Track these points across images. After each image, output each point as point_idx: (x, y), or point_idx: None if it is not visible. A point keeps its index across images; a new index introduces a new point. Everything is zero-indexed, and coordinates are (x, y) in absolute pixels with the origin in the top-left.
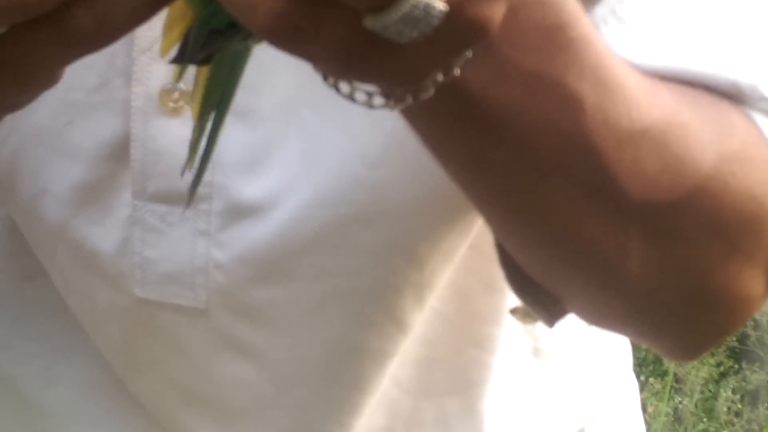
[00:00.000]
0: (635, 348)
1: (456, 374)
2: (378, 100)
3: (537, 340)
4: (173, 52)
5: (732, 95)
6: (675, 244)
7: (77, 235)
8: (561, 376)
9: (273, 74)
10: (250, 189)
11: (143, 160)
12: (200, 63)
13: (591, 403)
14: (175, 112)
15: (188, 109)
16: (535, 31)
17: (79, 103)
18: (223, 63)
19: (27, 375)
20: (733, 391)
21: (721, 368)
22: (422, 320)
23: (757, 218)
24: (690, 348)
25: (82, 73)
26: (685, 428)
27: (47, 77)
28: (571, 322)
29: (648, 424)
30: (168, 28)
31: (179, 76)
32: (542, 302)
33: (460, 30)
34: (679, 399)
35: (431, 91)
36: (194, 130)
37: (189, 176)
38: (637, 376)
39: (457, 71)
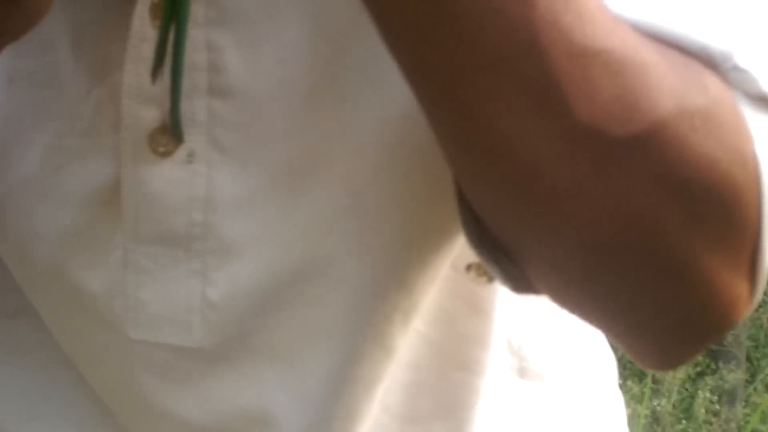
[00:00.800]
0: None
1: (443, 398)
2: None
3: (523, 359)
4: None
5: (703, 61)
6: (629, 190)
7: (70, 277)
8: (548, 395)
9: (261, 109)
10: (242, 226)
11: (134, 204)
12: None
13: (578, 422)
14: (165, 155)
15: (177, 150)
16: None
17: (68, 148)
18: None
19: (10, 412)
20: (711, 391)
21: (698, 368)
22: (409, 345)
23: (724, 191)
24: (669, 352)
25: (70, 119)
26: (663, 429)
27: None
28: (556, 339)
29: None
30: None
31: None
32: (500, 261)
33: None
34: (657, 401)
35: None
36: (158, 35)
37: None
38: None
39: None
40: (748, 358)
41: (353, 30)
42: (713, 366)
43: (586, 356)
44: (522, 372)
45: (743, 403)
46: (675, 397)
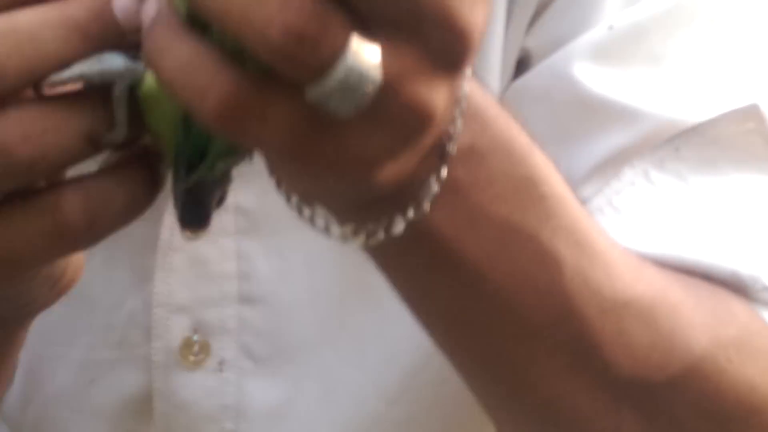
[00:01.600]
0: None
1: None
2: (347, 230)
3: None
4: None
5: (733, 285)
6: (673, 428)
7: None
8: None
9: (291, 316)
10: None
11: (166, 414)
12: (203, 224)
13: None
14: (196, 364)
15: (209, 360)
16: (505, 180)
17: (100, 361)
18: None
19: None
20: None
21: None
22: None
23: (762, 412)
24: None
25: (102, 332)
26: None
27: (32, 273)
28: None
29: None
30: None
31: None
32: None
33: (399, 111)
34: None
35: (401, 226)
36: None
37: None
38: None
39: (426, 206)
40: None
41: None
42: None
43: None
44: None
45: None
46: None
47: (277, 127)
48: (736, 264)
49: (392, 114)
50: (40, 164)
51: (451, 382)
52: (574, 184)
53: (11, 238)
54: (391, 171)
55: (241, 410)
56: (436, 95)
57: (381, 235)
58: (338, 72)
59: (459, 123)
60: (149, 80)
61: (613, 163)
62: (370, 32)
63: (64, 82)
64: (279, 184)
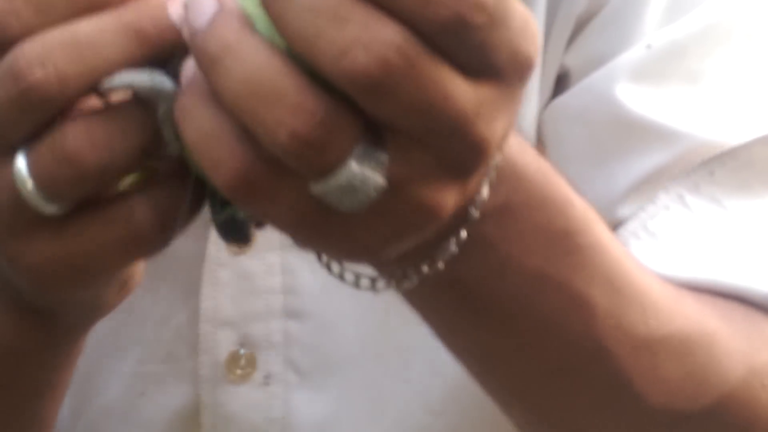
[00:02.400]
0: None
1: None
2: (365, 282)
3: None
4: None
5: (766, 308)
6: None
7: None
8: None
9: (336, 330)
10: None
11: (214, 427)
12: (244, 241)
13: None
14: (242, 378)
15: (255, 373)
16: (538, 234)
17: (148, 374)
18: None
19: None
20: None
21: None
22: None
23: None
24: None
25: (150, 346)
26: None
27: (106, 279)
28: None
29: None
30: None
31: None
32: None
33: (405, 210)
34: None
35: (414, 280)
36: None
37: None
38: None
39: (441, 264)
40: None
41: None
42: None
43: None
44: None
45: None
46: None
47: (284, 209)
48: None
49: (398, 213)
50: (109, 170)
51: None
52: (611, 203)
53: (87, 246)
54: (401, 248)
55: (287, 423)
56: (444, 197)
57: (393, 286)
58: (341, 176)
59: (485, 191)
60: None
61: (649, 184)
62: (380, 136)
63: (115, 89)
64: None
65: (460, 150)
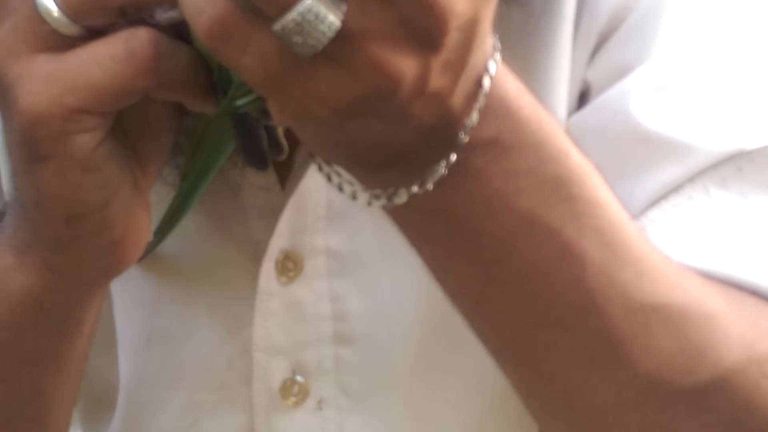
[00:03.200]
0: None
1: None
2: (363, 196)
3: None
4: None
5: None
6: None
7: None
8: None
9: (384, 353)
10: None
11: None
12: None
13: None
14: (296, 404)
15: (308, 399)
16: (530, 176)
17: (202, 403)
18: (205, 141)
19: None
20: None
21: None
22: None
23: None
24: None
25: (204, 375)
26: None
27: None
28: None
29: None
30: None
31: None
32: None
33: (362, 65)
34: None
35: (404, 197)
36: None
37: None
38: None
39: (430, 185)
40: None
41: None
42: None
43: None
44: None
45: None
46: None
47: (253, 56)
48: None
49: (355, 65)
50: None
51: (529, 418)
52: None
53: (84, 58)
54: (366, 125)
55: None
56: (402, 63)
57: (383, 201)
58: (298, 9)
59: (475, 116)
60: None
61: (666, 199)
62: None
63: (169, 21)
64: (312, 154)
65: (418, 12)
